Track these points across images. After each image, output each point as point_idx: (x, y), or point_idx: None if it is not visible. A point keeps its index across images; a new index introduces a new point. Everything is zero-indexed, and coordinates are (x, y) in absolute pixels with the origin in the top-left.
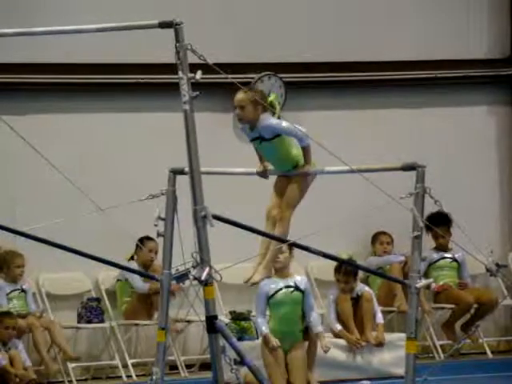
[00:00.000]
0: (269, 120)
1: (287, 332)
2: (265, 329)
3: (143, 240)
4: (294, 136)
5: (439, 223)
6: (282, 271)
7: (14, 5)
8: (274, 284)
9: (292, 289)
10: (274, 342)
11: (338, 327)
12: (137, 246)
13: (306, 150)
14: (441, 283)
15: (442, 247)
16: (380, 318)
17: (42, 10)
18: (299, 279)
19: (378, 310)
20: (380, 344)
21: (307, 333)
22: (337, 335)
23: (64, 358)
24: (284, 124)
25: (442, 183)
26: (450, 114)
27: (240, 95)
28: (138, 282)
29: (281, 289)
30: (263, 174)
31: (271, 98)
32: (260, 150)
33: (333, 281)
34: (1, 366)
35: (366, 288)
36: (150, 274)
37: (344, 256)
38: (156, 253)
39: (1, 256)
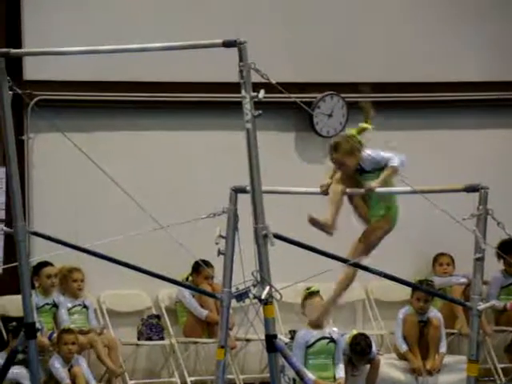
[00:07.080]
0: (367, 153)
1: (321, 379)
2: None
3: (199, 266)
4: (390, 157)
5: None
6: (318, 323)
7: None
8: (312, 334)
9: (328, 340)
10: None
11: (404, 348)
12: (193, 270)
13: (389, 169)
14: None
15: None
16: (443, 347)
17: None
18: (334, 330)
19: (444, 337)
20: (432, 372)
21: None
22: (401, 356)
23: (110, 374)
24: (380, 152)
25: (506, 205)
26: None
27: (333, 155)
28: (196, 308)
29: (319, 339)
30: (325, 191)
31: (357, 137)
32: None
33: (392, 301)
34: None
35: (437, 313)
36: (210, 292)
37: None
38: (212, 278)
39: (61, 273)
